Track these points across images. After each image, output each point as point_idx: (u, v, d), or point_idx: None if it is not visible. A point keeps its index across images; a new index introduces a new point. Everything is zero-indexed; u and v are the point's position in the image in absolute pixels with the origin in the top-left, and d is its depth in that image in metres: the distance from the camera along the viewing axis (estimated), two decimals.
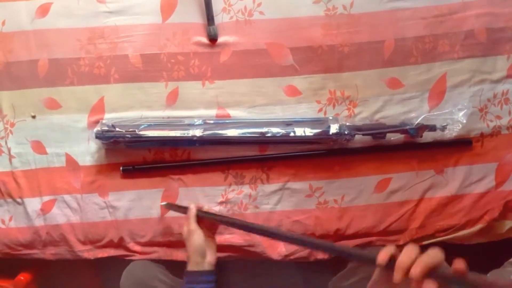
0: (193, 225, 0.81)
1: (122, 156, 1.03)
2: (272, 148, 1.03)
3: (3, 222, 1.02)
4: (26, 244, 1.01)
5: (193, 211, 0.84)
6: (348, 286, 0.93)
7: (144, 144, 1.00)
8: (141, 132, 0.96)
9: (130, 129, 0.96)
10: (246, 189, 1.02)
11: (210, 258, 0.80)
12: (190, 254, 0.79)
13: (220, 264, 1.03)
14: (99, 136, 0.96)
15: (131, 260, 0.99)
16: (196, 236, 0.79)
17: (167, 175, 1.02)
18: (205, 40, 1.03)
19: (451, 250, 1.02)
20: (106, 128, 0.96)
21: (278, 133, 0.97)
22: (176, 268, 1.00)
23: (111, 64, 1.03)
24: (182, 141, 0.98)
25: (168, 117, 1.03)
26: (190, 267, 0.78)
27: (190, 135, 0.97)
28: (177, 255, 1.01)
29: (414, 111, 1.03)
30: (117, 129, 0.96)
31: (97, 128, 0.96)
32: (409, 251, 0.50)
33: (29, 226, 1.01)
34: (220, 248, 1.01)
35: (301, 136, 0.97)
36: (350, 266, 0.97)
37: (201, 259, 0.78)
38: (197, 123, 0.99)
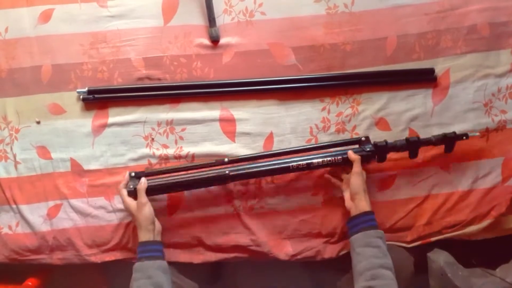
0: (144, 199, 0.91)
1: None
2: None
3: (10, 228, 1.02)
4: (33, 250, 1.01)
5: (144, 185, 0.92)
6: None
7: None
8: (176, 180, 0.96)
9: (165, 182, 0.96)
10: (252, 188, 1.02)
11: (158, 227, 0.93)
12: (142, 223, 0.89)
13: (227, 264, 1.03)
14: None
15: None
16: (147, 208, 0.90)
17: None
18: (207, 42, 1.03)
19: (459, 246, 1.03)
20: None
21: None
22: (182, 268, 1.00)
23: (114, 68, 1.03)
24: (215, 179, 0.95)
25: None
26: (143, 237, 0.89)
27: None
28: (184, 256, 1.01)
29: (418, 107, 1.03)
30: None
31: (129, 187, 0.94)
32: None
33: (36, 232, 1.01)
34: (226, 249, 1.01)
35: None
36: None
37: (152, 226, 0.90)
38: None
